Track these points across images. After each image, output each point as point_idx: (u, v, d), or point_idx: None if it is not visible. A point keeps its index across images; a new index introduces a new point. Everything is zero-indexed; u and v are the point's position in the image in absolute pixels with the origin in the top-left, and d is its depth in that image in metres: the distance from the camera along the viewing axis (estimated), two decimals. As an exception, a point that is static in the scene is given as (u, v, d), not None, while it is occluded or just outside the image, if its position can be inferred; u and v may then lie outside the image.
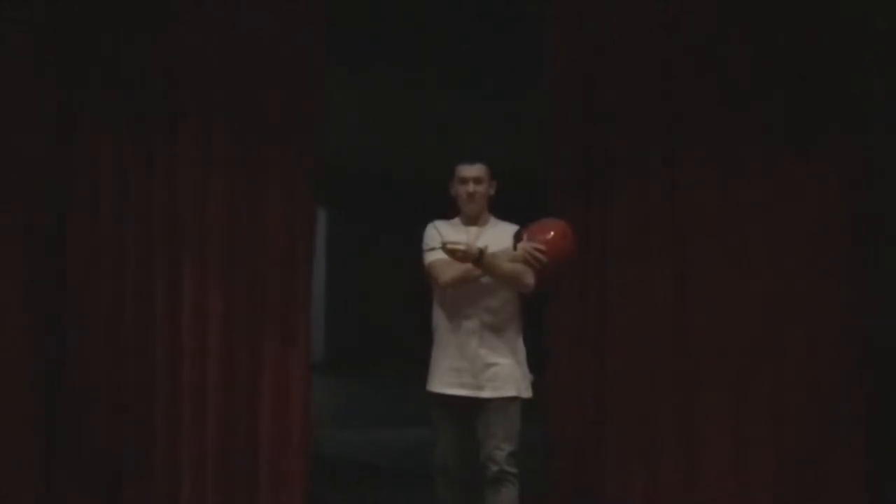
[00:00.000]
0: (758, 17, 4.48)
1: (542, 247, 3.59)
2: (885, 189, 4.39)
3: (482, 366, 3.78)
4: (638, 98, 4.50)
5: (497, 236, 3.83)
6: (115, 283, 4.38)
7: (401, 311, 9.02)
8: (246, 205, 4.49)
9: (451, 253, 3.55)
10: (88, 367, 4.35)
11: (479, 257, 3.56)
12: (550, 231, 3.66)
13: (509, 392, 3.75)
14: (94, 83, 4.39)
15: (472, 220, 3.90)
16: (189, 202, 4.43)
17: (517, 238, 3.70)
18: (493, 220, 3.95)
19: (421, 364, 3.98)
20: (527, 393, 3.80)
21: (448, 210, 3.96)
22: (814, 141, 4.45)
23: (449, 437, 3.87)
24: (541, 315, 4.39)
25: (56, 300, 4.33)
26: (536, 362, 3.97)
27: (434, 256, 3.74)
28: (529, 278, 3.66)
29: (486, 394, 3.76)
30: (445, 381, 3.83)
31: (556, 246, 3.61)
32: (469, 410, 3.81)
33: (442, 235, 3.79)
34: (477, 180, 3.84)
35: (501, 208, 3.92)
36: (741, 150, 4.46)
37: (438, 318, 3.89)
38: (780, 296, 4.40)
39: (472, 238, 3.78)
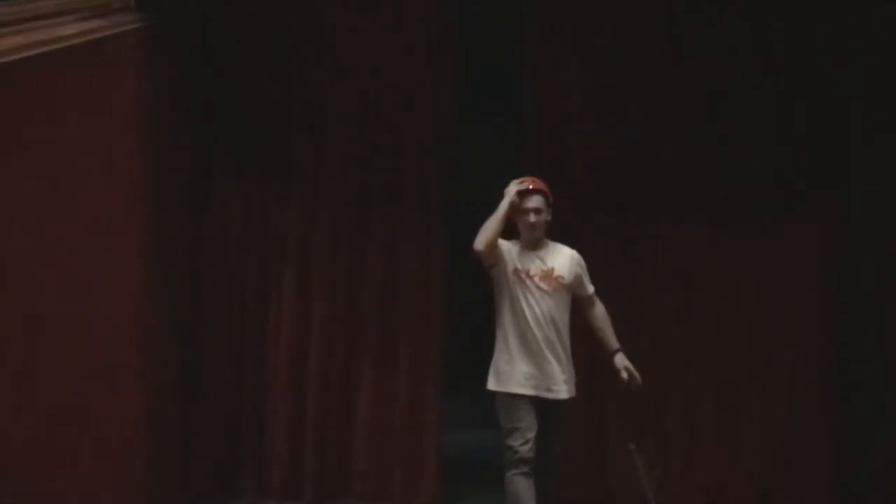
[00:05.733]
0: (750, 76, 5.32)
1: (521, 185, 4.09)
2: (858, 238, 5.23)
3: (547, 372, 4.07)
4: (647, 161, 5.34)
5: (560, 260, 4.16)
6: (237, 295, 5.41)
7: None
8: (371, 235, 5.41)
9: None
10: (214, 360, 5.36)
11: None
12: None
13: (566, 395, 4.13)
14: (227, 134, 5.44)
15: (532, 245, 4.15)
16: (294, 233, 5.42)
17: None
18: (550, 245, 4.21)
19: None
20: (575, 392, 4.20)
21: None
22: (798, 196, 5.32)
23: (528, 431, 4.03)
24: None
25: (190, 306, 5.35)
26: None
27: None
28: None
29: (550, 395, 4.07)
30: (520, 383, 4.06)
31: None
32: (535, 408, 4.07)
33: (513, 254, 4.13)
34: (538, 211, 4.12)
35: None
36: (734, 201, 5.32)
37: (506, 327, 4.12)
38: (767, 323, 5.29)
39: (540, 263, 4.12)
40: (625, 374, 4.09)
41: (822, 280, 5.29)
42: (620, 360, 4.13)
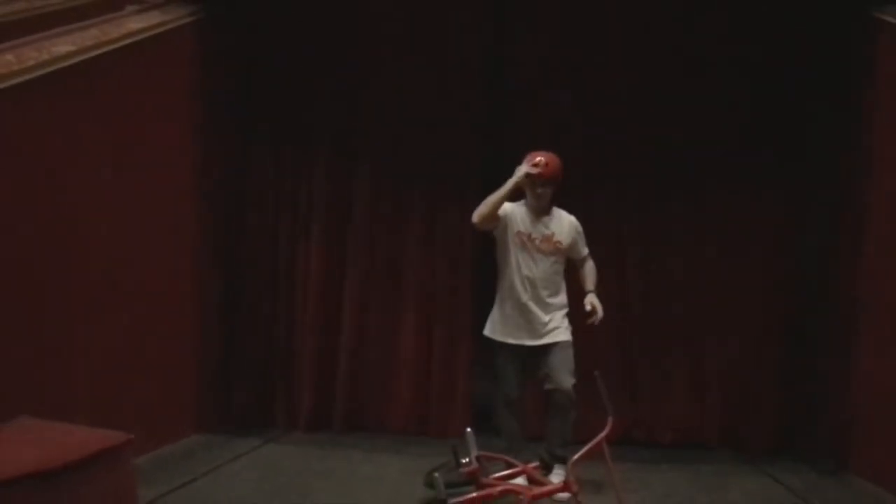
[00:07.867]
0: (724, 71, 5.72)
1: (533, 167, 4.29)
2: (806, 209, 5.75)
3: (539, 324, 4.37)
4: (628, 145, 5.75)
5: (560, 226, 4.43)
6: (270, 254, 5.99)
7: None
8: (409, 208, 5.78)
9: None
10: (251, 306, 5.97)
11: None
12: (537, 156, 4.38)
13: (561, 337, 4.39)
14: (263, 121, 6.02)
15: (537, 211, 4.41)
16: (321, 201, 5.92)
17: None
18: (554, 211, 4.46)
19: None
20: (569, 336, 4.44)
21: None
22: (760, 166, 5.72)
23: (513, 376, 4.39)
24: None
25: (232, 265, 6.01)
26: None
27: None
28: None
29: (544, 341, 4.36)
30: (510, 333, 4.38)
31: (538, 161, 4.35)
32: (528, 355, 4.37)
33: (517, 216, 4.35)
34: (544, 183, 4.37)
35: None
36: (707, 179, 5.74)
37: (505, 282, 4.42)
38: (726, 281, 5.76)
39: (542, 227, 4.38)
40: (587, 306, 4.40)
41: (779, 243, 5.77)
42: (589, 298, 4.46)
